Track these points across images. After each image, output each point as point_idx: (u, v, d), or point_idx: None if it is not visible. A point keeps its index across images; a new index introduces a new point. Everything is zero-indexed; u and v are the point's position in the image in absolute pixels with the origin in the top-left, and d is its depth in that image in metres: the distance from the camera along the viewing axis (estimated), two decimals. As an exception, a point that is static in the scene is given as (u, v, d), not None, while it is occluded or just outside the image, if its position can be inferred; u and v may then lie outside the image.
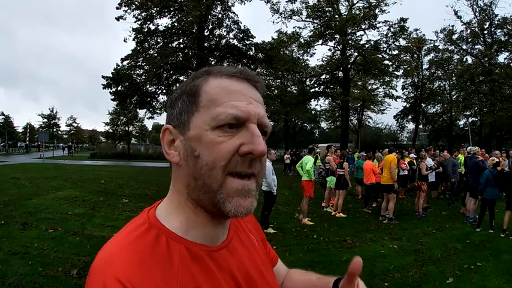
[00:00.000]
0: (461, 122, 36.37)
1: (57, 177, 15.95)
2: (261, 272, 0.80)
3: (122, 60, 22.29)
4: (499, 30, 30.28)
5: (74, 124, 66.36)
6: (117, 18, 21.64)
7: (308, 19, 28.06)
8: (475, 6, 30.22)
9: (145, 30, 22.31)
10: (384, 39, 26.74)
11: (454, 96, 34.57)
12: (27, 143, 50.92)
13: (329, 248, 6.36)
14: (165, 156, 0.72)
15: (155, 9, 21.86)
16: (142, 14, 21.86)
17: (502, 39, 30.13)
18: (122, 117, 43.06)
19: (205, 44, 23.59)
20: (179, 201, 0.71)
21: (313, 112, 39.28)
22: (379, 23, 26.39)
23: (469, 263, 5.56)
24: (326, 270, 5.12)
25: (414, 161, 11.51)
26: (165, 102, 25.28)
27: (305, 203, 8.44)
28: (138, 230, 0.67)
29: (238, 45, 24.61)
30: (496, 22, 29.95)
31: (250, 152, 0.64)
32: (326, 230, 7.78)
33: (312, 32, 28.24)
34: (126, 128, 43.71)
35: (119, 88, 22.54)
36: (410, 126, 40.26)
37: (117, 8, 21.39)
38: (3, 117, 57.68)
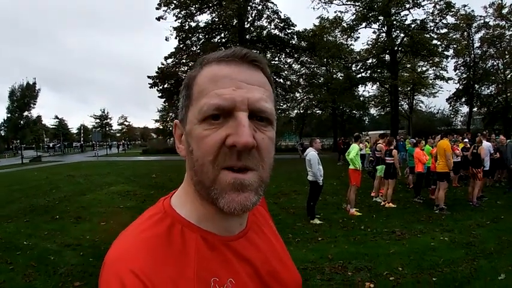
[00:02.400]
0: (518, 104, 33.80)
1: (110, 174, 16.84)
2: (282, 259, 0.78)
3: (166, 58, 23.00)
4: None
5: (125, 123, 69.68)
6: (158, 19, 22.31)
7: (349, 2, 27.01)
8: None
9: (186, 27, 22.77)
10: (431, 17, 25.29)
11: (509, 76, 32.08)
12: (82, 142, 54.40)
13: (376, 240, 6.17)
14: (177, 150, 0.71)
15: (194, 6, 22.26)
16: (182, 13, 22.34)
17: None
18: (170, 114, 44.30)
19: (247, 37, 23.71)
20: (191, 192, 0.69)
21: (361, 98, 38.17)
22: (424, 0, 24.95)
23: (524, 258, 5.20)
24: (372, 263, 5.01)
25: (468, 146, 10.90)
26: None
27: (352, 192, 8.26)
28: (153, 219, 0.66)
29: (280, 34, 24.50)
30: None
31: (232, 144, 0.58)
32: (374, 221, 7.54)
33: (354, 16, 27.24)
34: (176, 124, 44.91)
35: (165, 86, 23.21)
36: (464, 109, 37.94)
37: (157, 9, 22.05)
38: (57, 120, 61.90)
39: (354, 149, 8.33)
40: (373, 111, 45.15)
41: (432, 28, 25.64)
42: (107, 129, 62.34)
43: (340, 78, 31.47)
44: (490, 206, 8.70)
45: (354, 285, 4.33)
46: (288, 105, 31.69)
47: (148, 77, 22.79)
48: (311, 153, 7.48)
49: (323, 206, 8.72)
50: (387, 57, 27.79)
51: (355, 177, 8.22)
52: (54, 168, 20.79)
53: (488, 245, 5.74)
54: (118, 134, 71.52)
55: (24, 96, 39.89)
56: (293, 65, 30.17)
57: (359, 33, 29.01)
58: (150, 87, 22.93)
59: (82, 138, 57.31)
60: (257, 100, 0.62)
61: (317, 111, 38.48)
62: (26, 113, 41.44)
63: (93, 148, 42.18)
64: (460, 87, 34.37)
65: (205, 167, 0.61)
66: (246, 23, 23.50)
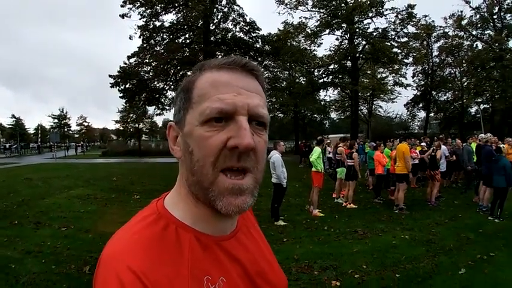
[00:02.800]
0: (473, 110, 35.82)
1: (69, 176, 16.20)
2: (269, 261, 0.82)
3: (129, 57, 22.34)
4: (509, 15, 29.70)
5: (84, 123, 67.17)
6: (122, 16, 21.63)
7: (314, 9, 27.61)
8: (484, -9, 29.61)
9: (151, 27, 22.28)
10: (392, 26, 26.24)
11: (465, 83, 33.95)
12: (39, 143, 51.69)
13: (340, 240, 6.34)
14: (171, 151, 0.74)
15: (160, 5, 21.81)
16: (147, 11, 21.83)
17: (512, 23, 29.55)
18: (131, 115, 43.24)
19: (212, 38, 23.51)
20: (184, 193, 0.71)
21: (322, 103, 38.89)
22: (387, 10, 25.83)
23: (481, 253, 5.47)
24: (337, 262, 5.12)
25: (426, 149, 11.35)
26: (173, 98, 25.28)
27: (315, 194, 8.43)
28: (147, 220, 0.68)
29: (245, 38, 24.48)
30: (505, 6, 29.36)
31: (234, 146, 0.62)
32: (337, 221, 7.76)
33: (318, 22, 27.79)
34: (136, 125, 43.96)
35: (127, 86, 22.61)
36: (421, 114, 39.79)
37: (122, 6, 21.38)
38: (14, 119, 58.64)
39: (316, 152, 8.53)
40: (333, 115, 46.19)
41: (393, 37, 26.61)
42: (66, 129, 59.85)
43: (303, 82, 31.98)
44: (447, 205, 9.15)
45: (321, 284, 4.39)
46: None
47: (110, 76, 22.08)
48: (275, 156, 7.58)
49: (287, 207, 8.83)
50: (349, 63, 28.45)
51: (317, 179, 8.40)
52: (12, 171, 19.71)
53: (448, 242, 6.02)
54: (77, 135, 68.91)
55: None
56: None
57: (322, 39, 29.58)
58: (111, 87, 22.17)
59: (40, 139, 54.71)
60: (256, 106, 0.66)
61: (279, 115, 38.78)
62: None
63: (51, 149, 40.38)
64: (418, 93, 36.01)
65: (206, 168, 0.64)
66: (211, 25, 23.32)
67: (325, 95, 36.44)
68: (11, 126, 59.46)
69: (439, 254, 5.49)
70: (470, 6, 30.48)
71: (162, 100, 25.16)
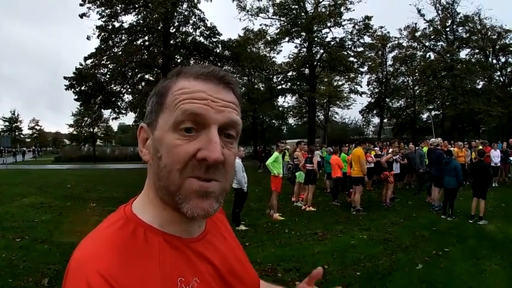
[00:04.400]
0: (425, 116, 37.84)
1: (21, 184, 15.40)
2: (240, 260, 0.82)
3: (85, 59, 21.57)
4: (461, 28, 31.96)
5: (36, 127, 63.67)
6: (81, 16, 20.89)
7: (275, 16, 28.26)
8: (437, 5, 31.67)
9: (110, 27, 21.66)
10: (349, 36, 27.46)
11: (417, 91, 36.01)
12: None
13: (301, 242, 6.47)
14: (140, 154, 0.73)
15: (120, 6, 21.25)
16: (107, 11, 21.20)
17: (464, 36, 31.85)
18: (86, 118, 41.67)
19: (171, 42, 23.21)
20: (152, 196, 0.70)
21: (280, 109, 39.46)
22: (345, 20, 27.03)
23: (436, 249, 5.83)
24: (299, 263, 5.21)
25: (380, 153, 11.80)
26: (130, 101, 24.70)
27: (274, 198, 8.57)
28: (115, 225, 0.66)
29: (205, 42, 24.36)
30: (457, 20, 31.53)
31: (203, 158, 0.62)
32: (297, 224, 7.91)
33: (278, 30, 28.51)
34: (91, 130, 42.45)
35: (83, 88, 21.83)
36: (376, 120, 41.49)
37: (81, 5, 20.66)
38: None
39: (273, 156, 8.67)
40: (291, 121, 46.81)
41: (350, 46, 27.81)
42: (17, 133, 56.41)
43: (262, 88, 32.50)
44: (402, 206, 9.61)
45: (285, 285, 4.39)
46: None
47: (65, 77, 21.21)
48: (235, 161, 7.50)
49: (247, 212, 8.86)
50: (307, 71, 29.16)
51: (275, 184, 8.52)
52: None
53: (404, 240, 6.32)
54: (28, 140, 65.28)
55: None
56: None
57: (282, 46, 30.22)
58: (66, 89, 21.31)
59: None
60: (229, 118, 0.67)
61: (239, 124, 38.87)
62: None
63: (1, 155, 38.10)
64: (372, 100, 37.51)
65: (173, 174, 0.64)
66: (171, 28, 23.02)
67: (283, 101, 36.99)
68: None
69: (397, 251, 5.75)
70: (424, 19, 32.50)
71: (119, 104, 24.49)
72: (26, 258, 5.57)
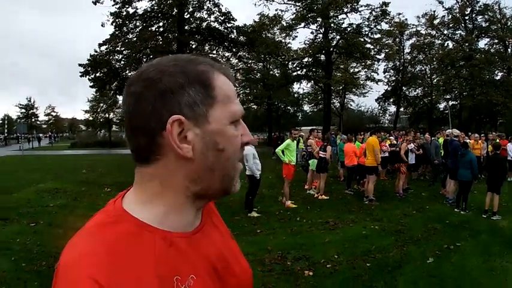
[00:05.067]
0: (442, 106, 37.24)
1: (37, 169, 15.69)
2: (234, 253, 0.81)
3: (100, 45, 21.67)
4: (480, 17, 31.04)
5: (52, 113, 64.78)
6: (94, 2, 20.95)
7: (290, 1, 27.67)
8: (457, -8, 30.51)
9: (124, 14, 21.67)
10: (366, 22, 26.78)
11: (435, 80, 35.20)
12: (5, 135, 49.67)
13: (312, 230, 6.45)
14: (176, 150, 0.63)
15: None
16: (120, -3, 21.21)
17: (483, 25, 30.94)
18: (101, 104, 42.22)
19: (186, 27, 23.09)
20: (155, 193, 0.67)
21: (296, 95, 39.24)
22: (361, 6, 26.32)
23: (448, 243, 5.72)
24: (309, 252, 5.20)
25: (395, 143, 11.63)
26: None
27: (286, 185, 8.54)
28: (105, 222, 0.63)
29: (220, 28, 24.20)
30: (477, 8, 30.63)
31: (247, 142, 0.72)
32: (309, 212, 7.88)
33: (294, 15, 27.94)
34: (107, 115, 42.94)
35: (98, 75, 22.01)
36: (392, 109, 40.89)
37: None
38: (-24, 109, 55.68)
39: (284, 144, 8.63)
40: (306, 107, 46.61)
41: (367, 33, 27.16)
42: (33, 120, 57.57)
43: (277, 74, 32.22)
44: (415, 197, 9.45)
45: (294, 274, 4.46)
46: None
47: (80, 65, 21.41)
48: (247, 148, 7.45)
49: (260, 199, 8.85)
50: (323, 57, 28.75)
51: (286, 171, 8.47)
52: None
53: (416, 232, 6.23)
54: (44, 126, 66.57)
55: None
56: (231, 59, 30.16)
57: (297, 32, 29.81)
58: (81, 76, 21.52)
59: (6, 130, 52.62)
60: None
61: (253, 106, 38.82)
62: None
63: (18, 141, 38.90)
64: (389, 88, 36.92)
65: (236, 161, 0.71)
66: (185, 14, 22.90)
67: (298, 88, 36.76)
68: (-25, 117, 56.52)
69: (408, 243, 5.68)
70: (443, 7, 31.55)
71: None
72: (40, 242, 5.68)
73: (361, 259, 4.95)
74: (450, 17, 31.80)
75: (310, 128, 13.30)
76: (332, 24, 26.83)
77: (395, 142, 11.51)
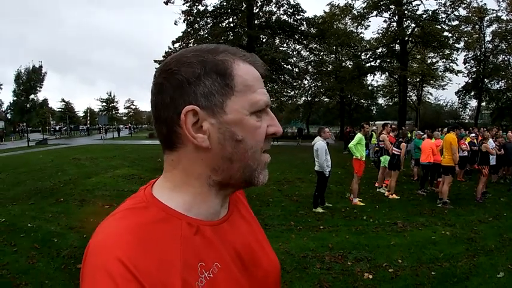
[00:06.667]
0: (528, 101, 33.37)
1: (116, 157, 16.90)
2: (261, 244, 0.82)
3: (173, 42, 22.81)
4: None
5: (131, 106, 69.62)
6: (166, 2, 21.96)
7: (361, -11, 26.78)
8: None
9: (195, 11, 22.46)
10: (443, 8, 24.94)
11: (520, 72, 31.67)
12: (89, 126, 54.57)
13: (378, 231, 6.16)
14: (191, 140, 0.65)
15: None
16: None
17: None
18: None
19: (255, 22, 23.41)
20: (183, 182, 0.69)
21: (369, 88, 38.05)
22: (437, -10, 24.59)
23: (524, 257, 5.15)
24: (372, 254, 5.02)
25: (475, 141, 10.79)
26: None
27: (355, 182, 8.17)
28: (135, 207, 0.66)
29: (289, 20, 24.20)
30: None
31: (274, 133, 0.71)
32: (377, 211, 7.51)
33: (365, 3, 26.86)
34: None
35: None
36: (473, 103, 37.52)
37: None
38: (64, 103, 61.84)
39: (356, 138, 8.24)
40: (381, 101, 44.99)
41: (444, 19, 25.32)
42: (114, 112, 62.42)
43: (349, 66, 31.12)
44: (493, 202, 8.60)
45: (353, 275, 4.35)
46: (296, 92, 31.33)
47: (155, 61, 22.69)
48: (318, 143, 7.36)
49: (327, 194, 8.59)
50: (397, 47, 27.47)
51: (357, 167, 8.15)
52: (60, 151, 20.86)
53: (489, 242, 5.69)
54: (124, 118, 71.75)
55: (30, 80, 39.41)
56: (301, 52, 29.94)
57: (369, 21, 28.85)
58: (156, 72, 22.80)
59: (89, 122, 57.63)
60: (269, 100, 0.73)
61: (325, 99, 38.31)
62: (32, 96, 41.12)
63: (100, 131, 42.23)
64: (470, 80, 33.85)
65: (258, 153, 0.69)
66: (254, 8, 23.15)
67: (372, 80, 35.74)
68: (60, 109, 62.63)
69: (479, 254, 5.20)
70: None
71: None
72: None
73: (426, 266, 4.63)
74: (536, -1, 28.28)
75: (383, 122, 12.82)
76: (406, 12, 25.39)
77: (475, 140, 10.66)
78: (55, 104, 69.79)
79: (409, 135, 12.23)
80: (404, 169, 9.35)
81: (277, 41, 26.44)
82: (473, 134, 11.30)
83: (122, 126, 61.41)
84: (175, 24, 22.76)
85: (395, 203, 8.37)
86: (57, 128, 49.67)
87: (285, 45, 27.29)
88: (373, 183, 10.18)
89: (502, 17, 30.17)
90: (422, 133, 10.54)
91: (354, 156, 8.18)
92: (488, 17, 30.31)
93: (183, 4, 22.29)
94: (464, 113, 41.00)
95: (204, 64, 0.66)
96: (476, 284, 4.22)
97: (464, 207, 8.04)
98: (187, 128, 0.65)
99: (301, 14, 24.01)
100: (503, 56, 31.93)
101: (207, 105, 0.65)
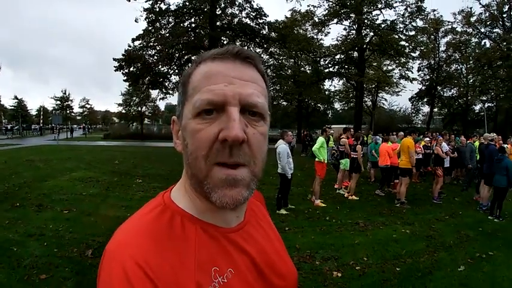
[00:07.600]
0: (477, 107, 35.91)
1: (71, 159, 16.19)
2: (279, 253, 0.81)
3: (133, 40, 22.13)
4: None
5: (86, 106, 67.06)
6: (128, -1, 21.36)
7: (323, -3, 27.36)
8: (494, -12, 29.26)
9: (157, 9, 22.01)
10: (401, 19, 25.97)
11: (471, 80, 33.94)
12: (41, 125, 51.72)
13: (341, 231, 6.35)
14: (174, 145, 0.73)
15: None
16: (153, -7, 21.53)
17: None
18: (134, 98, 43.42)
19: (218, 23, 23.23)
20: (188, 186, 0.71)
21: (327, 93, 38.81)
22: (396, 2, 25.54)
23: (480, 251, 5.48)
24: (338, 253, 5.15)
25: (429, 145, 11.32)
26: (177, 82, 25.21)
27: (317, 184, 8.40)
28: (154, 211, 0.68)
29: (251, 24, 24.18)
30: (515, 6, 29.02)
31: (225, 139, 0.60)
32: (338, 212, 7.75)
33: (326, 11, 27.46)
34: (139, 109, 44.15)
35: (131, 69, 22.48)
36: (426, 109, 39.72)
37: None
38: (16, 100, 58.08)
39: (319, 142, 8.45)
40: (337, 105, 46.20)
41: (401, 29, 26.35)
42: (68, 111, 59.78)
43: (308, 71, 31.79)
44: (448, 202, 9.14)
45: (323, 274, 4.42)
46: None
47: (114, 59, 21.94)
48: (281, 146, 7.48)
49: (289, 196, 8.78)
50: (355, 54, 28.22)
51: (319, 169, 8.35)
52: (13, 152, 19.48)
53: (448, 239, 6.04)
54: (79, 117, 69.00)
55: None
56: (262, 55, 30.08)
57: (330, 28, 29.42)
58: (115, 71, 22.03)
59: (42, 121, 54.81)
60: (248, 95, 0.64)
61: (283, 103, 38.72)
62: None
63: (53, 131, 40.32)
64: (423, 87, 35.82)
65: (199, 161, 0.62)
66: (217, 10, 23.04)
67: (330, 85, 36.35)
68: (13, 107, 58.83)
69: (439, 250, 5.51)
70: (480, 3, 30.36)
71: (166, 84, 24.97)
72: (72, 229, 5.85)
73: (390, 263, 4.84)
74: (487, 14, 30.48)
75: (340, 126, 13.16)
76: (366, 21, 26.19)
77: (429, 144, 11.18)
78: (7, 102, 65.59)
79: (365, 138, 12.60)
80: (362, 172, 9.62)
81: (238, 43, 26.40)
82: (428, 138, 11.85)
83: (75, 126, 58.87)
84: (135, 21, 22.09)
85: (356, 203, 8.67)
86: (9, 127, 46.64)
87: (245, 48, 27.34)
88: (332, 184, 10.45)
89: (456, 29, 32.27)
90: (379, 138, 10.91)
91: (317, 159, 8.34)
92: (443, 28, 32.33)
93: (146, 1, 21.75)
94: (416, 118, 43.45)
95: (183, 76, 0.71)
96: (440, 277, 4.44)
97: (421, 206, 8.48)
98: (173, 135, 0.74)
99: (263, 18, 24.10)
100: (456, 66, 34.23)
101: (178, 114, 0.71)
